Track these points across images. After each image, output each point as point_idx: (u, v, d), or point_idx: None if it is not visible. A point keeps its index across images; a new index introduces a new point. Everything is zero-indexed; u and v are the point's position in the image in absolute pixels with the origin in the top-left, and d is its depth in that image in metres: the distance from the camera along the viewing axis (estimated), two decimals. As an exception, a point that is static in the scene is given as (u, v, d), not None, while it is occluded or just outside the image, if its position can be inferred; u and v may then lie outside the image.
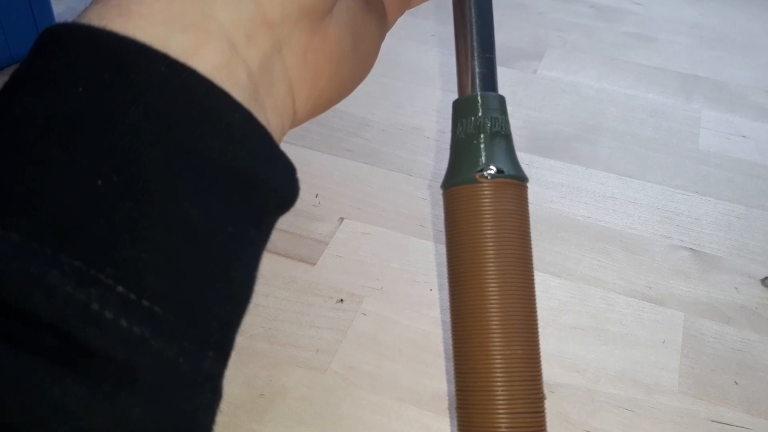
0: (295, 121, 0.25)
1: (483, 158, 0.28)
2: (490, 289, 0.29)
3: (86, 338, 0.17)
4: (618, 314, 0.43)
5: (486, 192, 0.30)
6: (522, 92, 0.63)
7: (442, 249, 0.47)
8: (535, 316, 0.31)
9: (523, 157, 0.55)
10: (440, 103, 0.61)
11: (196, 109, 0.19)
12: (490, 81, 0.27)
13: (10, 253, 0.17)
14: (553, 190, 0.52)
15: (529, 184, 0.29)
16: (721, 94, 0.65)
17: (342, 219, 0.49)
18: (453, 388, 0.39)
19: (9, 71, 0.61)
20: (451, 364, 0.40)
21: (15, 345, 0.17)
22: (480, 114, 0.27)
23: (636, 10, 0.78)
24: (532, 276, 0.31)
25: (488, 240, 0.30)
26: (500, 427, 0.29)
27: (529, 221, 0.31)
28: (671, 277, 0.46)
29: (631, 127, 0.60)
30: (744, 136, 0.60)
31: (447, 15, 0.53)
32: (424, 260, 0.47)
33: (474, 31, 0.27)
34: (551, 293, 0.44)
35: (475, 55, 0.27)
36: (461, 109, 0.28)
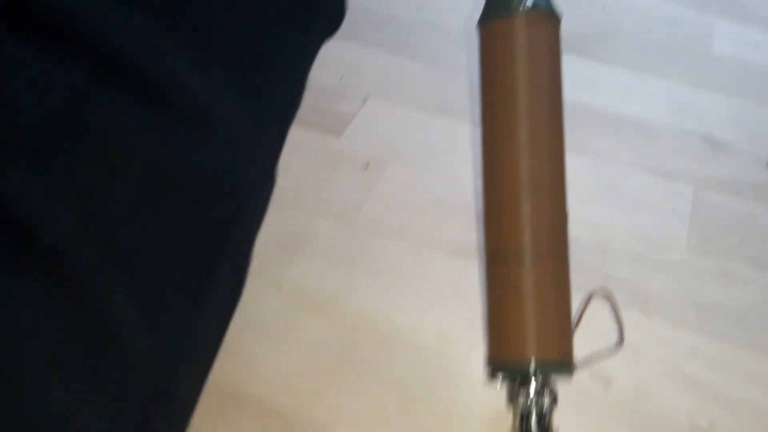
0: None
1: None
2: (522, 117, 0.31)
3: (161, 83, 0.19)
4: (631, 186, 0.45)
5: (522, 24, 0.31)
6: None
7: (467, 128, 0.49)
8: (563, 142, 0.33)
9: (542, 54, 0.57)
10: (465, 3, 0.62)
11: None
12: None
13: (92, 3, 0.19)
14: (571, 82, 0.54)
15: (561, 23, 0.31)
16: (734, 7, 0.66)
17: (366, 99, 0.51)
18: (478, 239, 0.41)
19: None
20: (477, 221, 0.42)
21: (94, 75, 0.19)
22: None
23: (653, -66, 0.79)
24: (562, 110, 0.32)
25: (523, 66, 0.31)
26: (524, 233, 0.31)
27: (560, 53, 0.32)
28: (682, 157, 0.48)
29: (646, 33, 0.61)
30: (756, 45, 0.61)
31: None
32: (448, 137, 0.48)
33: None
34: (569, 167, 0.46)
35: None
36: None
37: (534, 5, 0.31)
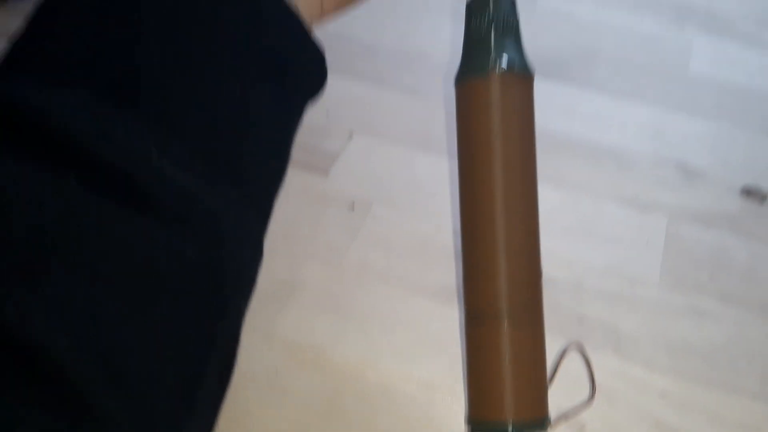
0: (323, 13, 0.28)
1: (493, 53, 0.30)
2: (497, 174, 0.32)
3: (148, 187, 0.20)
4: (606, 219, 0.47)
5: (497, 84, 0.32)
6: (522, 21, 0.65)
7: (450, 163, 0.51)
8: (536, 200, 0.35)
9: (522, 80, 0.58)
10: (447, 31, 0.64)
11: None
12: None
13: (82, 107, 0.19)
14: (550, 110, 0.56)
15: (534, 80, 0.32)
16: (713, 22, 0.68)
17: (351, 135, 0.52)
18: (458, 282, 0.43)
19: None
20: (458, 262, 0.44)
21: (84, 185, 0.20)
22: (492, 11, 0.30)
23: (634, -58, 0.80)
24: (535, 164, 0.34)
25: (497, 130, 0.33)
26: (501, 294, 0.33)
27: (534, 115, 0.34)
28: (657, 187, 0.50)
29: (625, 53, 0.62)
30: (733, 62, 0.63)
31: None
32: (432, 173, 0.50)
33: None
34: (546, 200, 0.48)
35: None
36: (475, 7, 0.30)
37: (509, 66, 0.32)
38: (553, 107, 0.56)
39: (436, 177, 0.50)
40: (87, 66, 0.20)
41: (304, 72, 0.26)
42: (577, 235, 0.46)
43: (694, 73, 0.61)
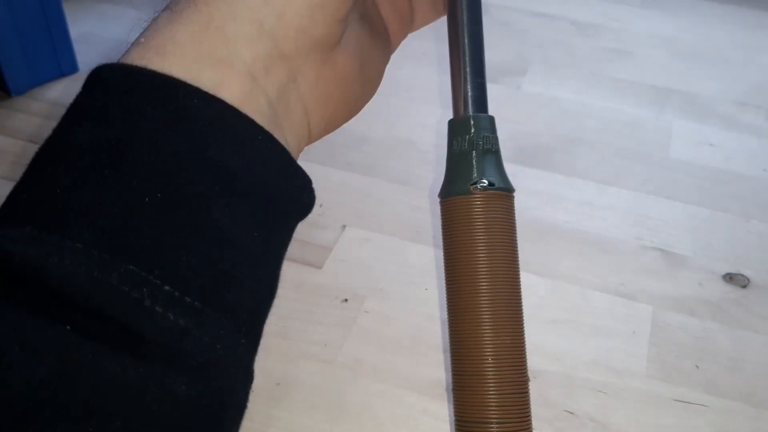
0: (311, 139, 0.29)
1: (475, 172, 0.32)
2: (482, 287, 0.33)
3: (140, 328, 0.21)
4: (593, 309, 0.49)
5: (478, 202, 0.34)
6: (507, 107, 0.68)
7: (437, 253, 0.52)
8: (521, 310, 0.36)
9: (509, 168, 0.59)
10: (433, 118, 0.66)
11: (225, 134, 0.23)
12: (481, 103, 0.31)
13: (76, 259, 0.20)
14: (536, 198, 0.57)
15: (514, 193, 0.34)
16: (692, 105, 0.70)
17: (344, 226, 0.54)
18: (449, 377, 0.44)
19: (32, 94, 0.66)
20: (447, 355, 0.45)
21: (80, 333, 0.20)
22: (473, 132, 0.31)
23: (614, 26, 0.83)
24: (519, 275, 0.35)
25: (480, 244, 0.34)
26: (491, 406, 0.34)
27: (515, 227, 0.35)
28: (641, 274, 0.51)
29: (607, 138, 0.65)
30: (712, 145, 0.65)
31: (434, 34, 0.60)
32: (421, 263, 0.52)
33: (467, 58, 0.30)
34: (533, 291, 0.49)
35: (468, 80, 0.30)
36: (456, 128, 0.32)
37: (489, 185, 0.34)
38: (539, 195, 0.58)
39: (426, 267, 0.51)
40: (83, 215, 0.21)
41: (292, 200, 0.27)
42: (565, 327, 0.47)
43: (674, 156, 0.63)
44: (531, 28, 0.82)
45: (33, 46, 0.67)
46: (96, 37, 0.76)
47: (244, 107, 0.24)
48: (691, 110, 0.70)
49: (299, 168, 0.27)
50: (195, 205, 0.23)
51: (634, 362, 0.45)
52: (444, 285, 0.35)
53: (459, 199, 0.34)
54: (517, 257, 0.36)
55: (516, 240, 0.37)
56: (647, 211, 0.57)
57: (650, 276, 0.51)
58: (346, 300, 0.49)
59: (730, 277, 0.51)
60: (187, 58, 0.23)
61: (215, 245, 0.23)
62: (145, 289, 0.21)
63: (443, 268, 0.35)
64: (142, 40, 0.24)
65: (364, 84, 0.30)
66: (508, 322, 0.35)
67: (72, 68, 0.71)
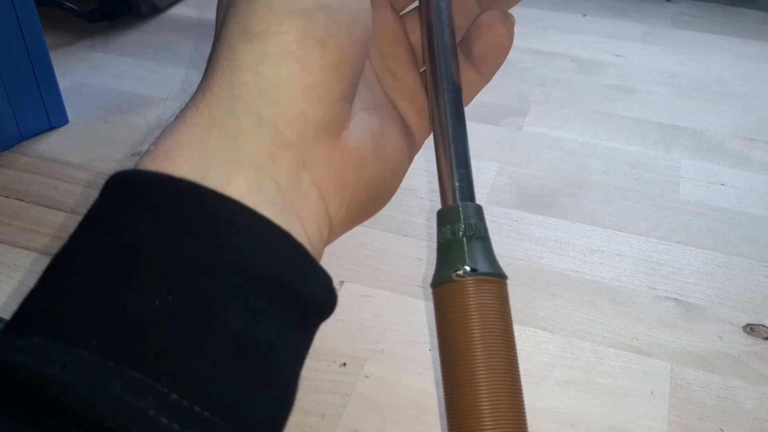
0: (333, 228, 0.28)
1: (462, 260, 0.31)
2: (480, 375, 0.31)
3: None
4: (608, 367, 0.46)
5: (466, 290, 0.32)
6: (509, 149, 0.66)
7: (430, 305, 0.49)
8: (521, 395, 0.34)
9: (512, 214, 0.58)
10: (433, 164, 0.64)
11: (238, 235, 0.22)
12: (467, 192, 0.31)
13: (80, 367, 0.19)
14: (542, 246, 0.55)
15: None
16: (699, 142, 0.68)
17: (342, 282, 0.52)
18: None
19: (19, 149, 0.64)
20: (443, 421, 0.42)
21: None
22: (460, 221, 0.31)
23: (615, 62, 0.82)
24: (516, 361, 0.33)
25: (472, 332, 0.32)
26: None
27: (509, 312, 0.33)
28: (657, 327, 0.48)
29: (613, 180, 0.63)
30: (722, 184, 0.63)
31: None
32: (422, 320, 0.49)
33: (452, 152, 0.31)
34: (544, 349, 0.47)
35: (454, 171, 0.31)
36: (444, 217, 0.31)
37: (480, 273, 0.32)
38: (545, 243, 0.55)
39: (425, 324, 0.49)
40: (91, 322, 0.21)
41: (311, 302, 0.26)
42: (579, 389, 0.44)
43: (684, 197, 0.61)
44: (531, 67, 0.80)
45: (21, 99, 0.65)
46: (87, 86, 0.75)
47: (253, 201, 0.23)
48: (699, 148, 0.67)
49: (318, 265, 0.26)
50: (207, 307, 0.22)
51: (655, 427, 0.42)
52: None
53: (447, 288, 0.32)
54: (513, 342, 0.34)
55: (511, 325, 0.35)
56: (659, 257, 0.54)
57: (666, 329, 0.48)
58: (344, 364, 0.46)
59: (751, 329, 0.48)
60: (194, 159, 0.24)
61: (228, 350, 0.22)
62: (150, 398, 0.20)
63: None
64: (152, 147, 0.25)
65: (382, 168, 0.30)
66: (508, 408, 0.33)
67: (62, 120, 0.69)
